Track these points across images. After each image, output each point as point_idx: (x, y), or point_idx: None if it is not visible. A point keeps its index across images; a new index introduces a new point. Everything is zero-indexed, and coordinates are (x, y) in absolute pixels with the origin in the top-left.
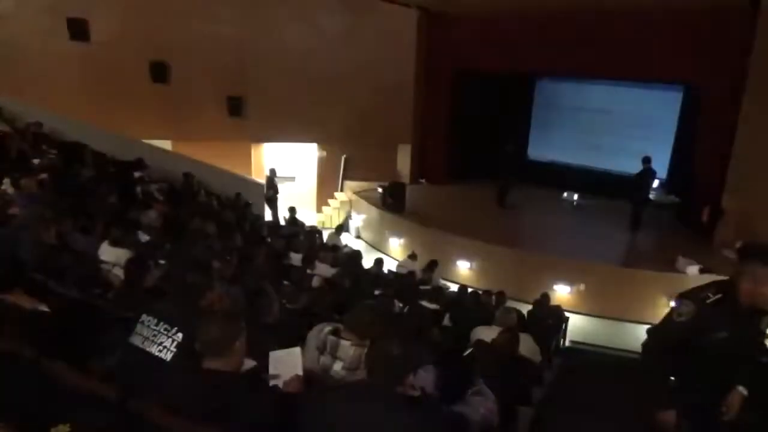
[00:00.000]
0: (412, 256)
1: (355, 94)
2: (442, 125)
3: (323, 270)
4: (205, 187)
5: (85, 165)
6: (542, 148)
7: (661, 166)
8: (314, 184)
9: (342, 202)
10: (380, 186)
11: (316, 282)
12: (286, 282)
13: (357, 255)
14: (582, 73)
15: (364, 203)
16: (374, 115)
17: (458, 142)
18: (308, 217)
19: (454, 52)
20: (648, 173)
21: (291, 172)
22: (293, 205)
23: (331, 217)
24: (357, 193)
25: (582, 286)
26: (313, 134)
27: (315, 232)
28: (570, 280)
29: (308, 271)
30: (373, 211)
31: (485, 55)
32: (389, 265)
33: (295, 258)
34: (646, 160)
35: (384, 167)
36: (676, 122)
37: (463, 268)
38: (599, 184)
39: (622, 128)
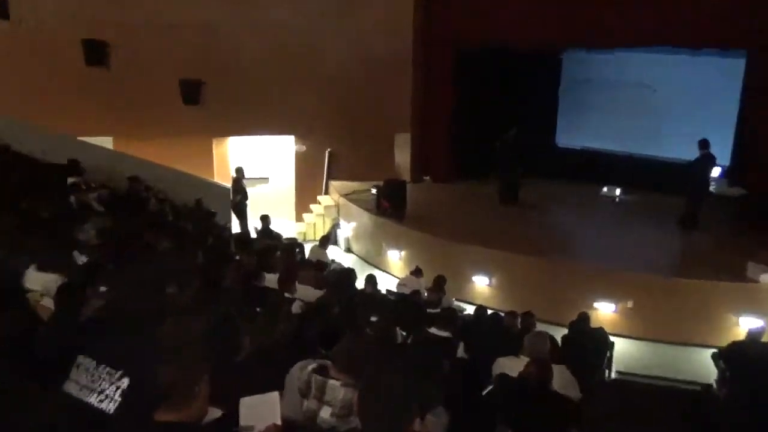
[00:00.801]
0: (417, 272)
1: (342, 75)
2: (450, 110)
3: (305, 293)
4: (156, 193)
5: (7, 169)
6: (573, 134)
7: (723, 151)
8: (292, 186)
9: (327, 208)
10: (374, 186)
11: (296, 308)
12: (259, 309)
13: (348, 274)
14: (617, 41)
15: (354, 208)
16: (365, 99)
17: (470, 130)
18: (286, 227)
19: (462, 22)
20: (706, 160)
21: (263, 172)
22: (267, 213)
23: (314, 226)
24: (345, 195)
25: (629, 303)
26: (290, 124)
27: (294, 245)
28: (614, 296)
29: (287, 294)
30: (367, 218)
31: (500, 24)
32: (388, 284)
33: (270, 279)
34: (703, 144)
35: (378, 163)
36: (738, 96)
37: (481, 284)
38: (645, 176)
39: (670, 106)
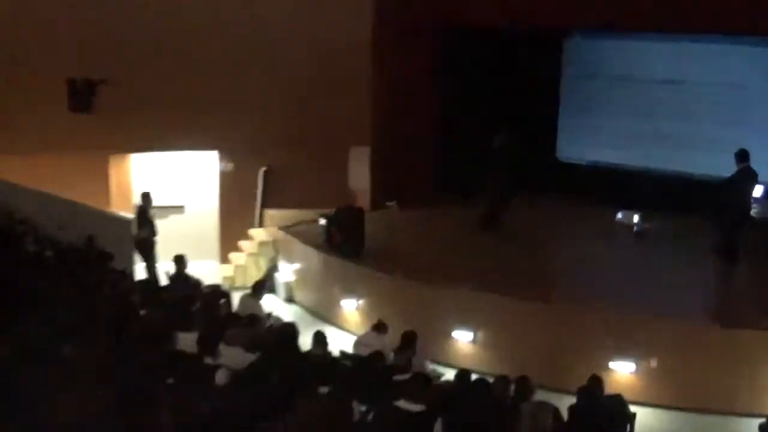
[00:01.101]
0: (379, 327)
1: (278, 73)
2: (423, 114)
3: (234, 357)
4: (35, 228)
5: None
6: (579, 145)
7: (766, 166)
8: (216, 217)
9: (262, 244)
10: (323, 215)
11: (222, 378)
12: (172, 380)
13: (290, 331)
14: (636, 25)
15: (297, 244)
16: (309, 103)
17: (449, 141)
18: (207, 270)
19: (439, 2)
20: (745, 176)
21: (177, 199)
22: (182, 254)
23: (244, 269)
24: (286, 228)
25: (654, 362)
26: (213, 136)
27: (218, 295)
28: (635, 353)
29: (209, 360)
30: (313, 257)
31: (487, 4)
32: (343, 344)
33: (187, 340)
34: (742, 157)
35: (329, 185)
36: None
37: (463, 341)
38: (671, 197)
39: (701, 108)
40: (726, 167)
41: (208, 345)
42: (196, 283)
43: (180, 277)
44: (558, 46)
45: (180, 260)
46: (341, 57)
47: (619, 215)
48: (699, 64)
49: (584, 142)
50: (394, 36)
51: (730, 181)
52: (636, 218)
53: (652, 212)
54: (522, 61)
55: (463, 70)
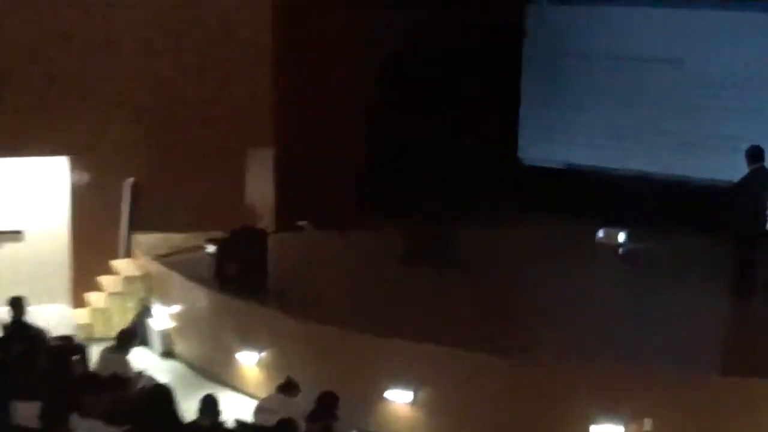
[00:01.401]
0: (288, 388)
1: (148, 55)
2: (344, 108)
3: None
4: None
5: None
6: (548, 142)
7: None
8: (66, 246)
9: (129, 280)
10: (211, 241)
11: None
12: None
13: (165, 396)
14: None
15: (177, 279)
16: (191, 94)
17: (379, 143)
18: (55, 316)
19: None
20: (758, 179)
21: (12, 222)
22: (19, 295)
23: (105, 314)
24: (162, 258)
25: (648, 424)
26: (62, 139)
27: (71, 349)
28: (623, 412)
29: None
30: (199, 296)
31: None
32: (241, 411)
33: (27, 410)
34: (755, 155)
35: (218, 200)
36: None
37: (400, 403)
38: (666, 208)
39: (703, 94)
40: (735, 169)
41: (55, 417)
42: (39, 334)
43: (17, 325)
44: (518, 15)
45: (17, 304)
46: (232, 32)
47: (600, 234)
48: (702, 38)
49: (554, 140)
50: (304, 4)
51: (741, 185)
52: (622, 237)
53: (641, 229)
54: (472, 37)
55: (399, 53)
